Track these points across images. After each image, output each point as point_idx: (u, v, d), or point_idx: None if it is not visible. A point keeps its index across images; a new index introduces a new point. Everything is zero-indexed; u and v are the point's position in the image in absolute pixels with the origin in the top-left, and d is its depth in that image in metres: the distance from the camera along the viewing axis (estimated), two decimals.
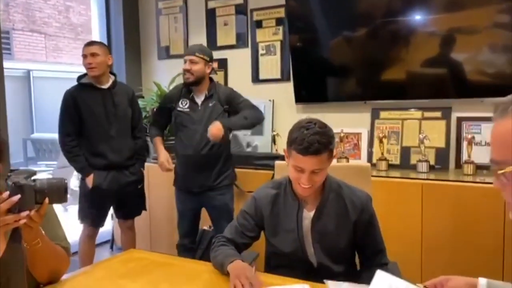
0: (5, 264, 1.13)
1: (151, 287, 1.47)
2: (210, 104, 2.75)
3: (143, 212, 3.14)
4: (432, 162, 2.95)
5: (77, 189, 3.04)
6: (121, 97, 2.90)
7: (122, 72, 4.05)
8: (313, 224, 1.60)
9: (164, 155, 2.85)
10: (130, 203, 3.01)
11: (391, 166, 3.04)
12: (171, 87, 3.65)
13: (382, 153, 3.05)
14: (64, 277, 1.47)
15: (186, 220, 2.87)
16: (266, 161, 3.13)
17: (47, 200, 1.19)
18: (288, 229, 1.62)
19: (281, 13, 3.56)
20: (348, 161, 3.08)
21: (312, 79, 3.42)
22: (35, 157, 8.03)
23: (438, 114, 3.06)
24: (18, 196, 1.13)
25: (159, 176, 3.52)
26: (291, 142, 1.50)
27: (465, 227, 2.53)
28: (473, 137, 2.80)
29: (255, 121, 2.77)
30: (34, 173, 1.21)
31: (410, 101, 3.14)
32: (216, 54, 2.93)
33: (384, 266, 1.61)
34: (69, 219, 4.01)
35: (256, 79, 3.73)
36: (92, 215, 2.89)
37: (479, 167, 2.77)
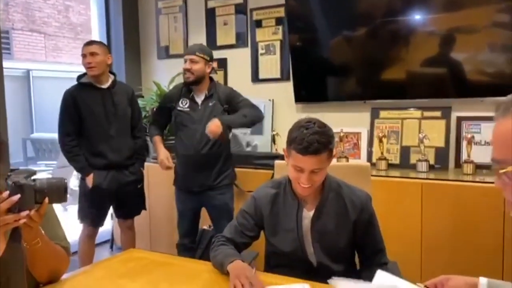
0: (5, 263, 1.13)
1: (151, 286, 1.47)
2: (210, 104, 2.75)
3: (143, 211, 3.14)
4: (431, 162, 2.95)
5: (77, 188, 3.04)
6: (120, 97, 2.89)
7: (121, 71, 4.05)
8: (312, 223, 1.60)
9: (164, 153, 2.84)
10: (130, 202, 3.01)
11: (390, 166, 3.05)
12: (170, 87, 3.65)
13: (382, 153, 3.05)
14: (63, 276, 1.47)
15: (186, 219, 2.87)
16: (266, 160, 3.13)
17: (47, 199, 1.19)
18: (287, 229, 1.62)
19: (281, 12, 3.56)
20: (347, 161, 3.08)
21: (312, 78, 3.42)
22: (35, 157, 8.03)
23: (437, 113, 3.06)
24: (18, 195, 1.13)
25: (158, 176, 3.52)
26: (290, 141, 1.50)
27: (464, 226, 2.53)
28: (473, 137, 2.80)
29: (254, 119, 2.76)
30: (34, 172, 1.21)
31: (409, 101, 3.14)
32: (216, 54, 2.93)
33: (384, 266, 1.62)
34: (68, 218, 4.01)
35: (255, 78, 3.73)
36: (91, 215, 2.89)
37: (479, 167, 2.77)
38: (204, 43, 3.59)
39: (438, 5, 2.96)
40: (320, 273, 1.57)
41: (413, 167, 2.95)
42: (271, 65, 3.66)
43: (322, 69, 3.39)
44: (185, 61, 2.73)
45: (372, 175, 2.17)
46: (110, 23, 4.18)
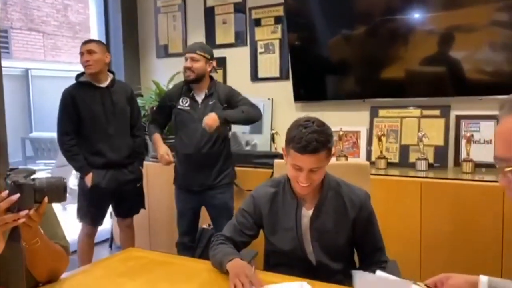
0: (4, 263, 1.13)
1: (150, 285, 1.47)
2: (210, 103, 2.75)
3: (142, 210, 3.14)
4: (431, 160, 2.95)
5: (76, 188, 3.03)
6: (119, 96, 2.89)
7: (120, 70, 4.04)
8: (311, 222, 1.60)
9: (164, 149, 2.81)
10: (129, 201, 3.01)
11: (390, 164, 3.05)
12: (169, 86, 3.65)
13: (381, 151, 3.05)
14: (63, 276, 1.47)
15: (186, 218, 2.87)
16: (265, 159, 3.13)
17: (46, 199, 1.18)
18: (287, 228, 1.62)
19: (280, 11, 3.55)
20: (347, 160, 3.08)
21: (311, 77, 3.42)
22: (34, 156, 8.02)
23: (437, 112, 3.06)
24: (17, 195, 1.13)
25: (158, 175, 3.53)
26: (289, 140, 1.50)
27: (464, 225, 2.53)
28: (472, 135, 2.80)
29: (251, 116, 2.75)
30: (33, 172, 1.21)
31: (409, 99, 3.14)
32: (215, 53, 2.92)
33: (384, 264, 1.62)
34: (68, 218, 4.01)
35: (255, 77, 3.73)
36: (91, 214, 2.89)
37: (478, 165, 2.78)
38: (203, 42, 3.58)
39: (437, 4, 2.96)
40: (320, 272, 1.57)
41: (412, 165, 2.95)
42: (270, 64, 3.65)
43: (321, 67, 3.39)
44: (186, 59, 2.73)
45: (372, 174, 2.17)
46: (109, 22, 4.18)
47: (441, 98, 3.03)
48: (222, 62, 3.80)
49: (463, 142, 2.85)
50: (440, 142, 3.01)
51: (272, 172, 2.19)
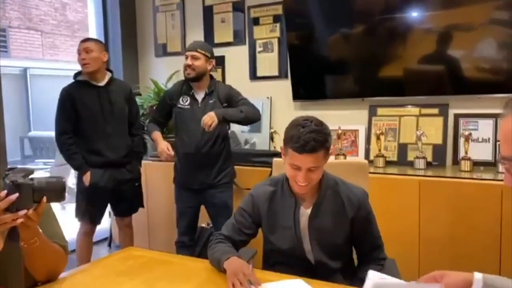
0: (3, 262, 1.13)
1: (149, 285, 1.47)
2: (210, 101, 2.75)
3: (141, 209, 3.14)
4: (429, 159, 2.96)
5: (75, 187, 3.03)
6: (117, 95, 2.89)
7: (119, 69, 4.04)
8: (310, 221, 1.60)
9: (164, 143, 2.79)
10: (128, 200, 3.01)
11: (388, 163, 3.05)
12: (168, 85, 3.65)
13: (380, 150, 3.05)
14: (62, 275, 1.47)
15: (186, 218, 2.87)
16: (264, 158, 3.13)
17: (45, 198, 1.18)
18: (285, 226, 1.62)
19: (278, 10, 3.55)
20: (345, 158, 3.08)
21: (310, 76, 3.42)
22: (33, 155, 8.00)
23: (435, 110, 3.07)
24: (16, 194, 1.13)
25: (157, 174, 3.53)
26: (287, 140, 1.50)
27: (462, 223, 2.54)
28: (470, 134, 2.80)
29: (249, 116, 2.73)
30: (32, 171, 1.21)
31: (407, 98, 3.15)
32: (214, 52, 2.92)
33: (382, 261, 1.62)
34: (66, 217, 4.01)
35: (253, 76, 3.73)
36: (89, 213, 2.89)
37: (476, 164, 2.78)
38: (203, 41, 3.58)
39: (435, 3, 2.96)
40: (318, 271, 1.57)
41: (411, 164, 2.95)
42: (269, 62, 3.65)
43: (320, 66, 3.39)
44: (186, 58, 2.73)
45: (370, 172, 2.17)
46: (107, 21, 4.17)
47: (440, 97, 3.04)
48: (220, 61, 3.80)
49: (462, 141, 2.86)
50: (439, 140, 3.01)
51: (271, 171, 2.19)
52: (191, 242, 2.92)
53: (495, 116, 2.86)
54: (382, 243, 1.68)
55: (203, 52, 2.73)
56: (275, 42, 3.61)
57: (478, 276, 1.11)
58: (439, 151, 3.00)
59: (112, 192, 2.89)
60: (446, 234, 2.58)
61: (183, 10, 4.04)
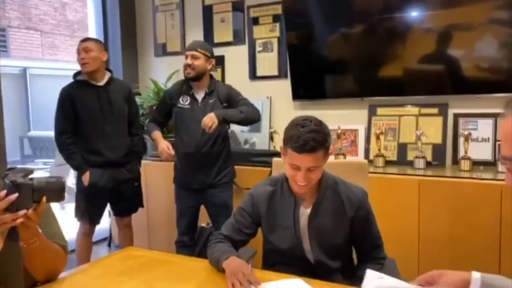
0: (2, 262, 1.13)
1: (149, 284, 1.47)
2: (210, 101, 2.75)
3: (141, 209, 3.14)
4: (429, 159, 2.96)
5: (74, 186, 3.03)
6: (117, 94, 2.88)
7: (118, 69, 4.04)
8: (309, 221, 1.60)
9: (164, 143, 2.79)
10: (127, 200, 3.01)
11: (388, 163, 3.05)
12: (168, 84, 3.65)
13: (379, 150, 3.06)
14: (61, 275, 1.47)
15: (186, 217, 2.87)
16: (264, 158, 3.13)
17: (44, 198, 1.18)
18: (285, 226, 1.62)
19: (278, 10, 3.55)
20: (345, 158, 3.08)
21: (310, 76, 3.42)
22: (32, 155, 8.00)
23: (435, 110, 3.07)
24: (16, 194, 1.13)
25: (157, 173, 3.53)
26: (287, 140, 1.50)
27: (461, 222, 2.54)
28: (470, 133, 2.81)
29: (250, 116, 2.74)
30: (31, 171, 1.21)
31: (407, 98, 3.15)
32: (213, 51, 2.92)
33: (381, 260, 1.63)
34: (66, 217, 4.01)
35: (253, 76, 3.73)
36: (88, 213, 2.89)
37: (476, 163, 2.79)
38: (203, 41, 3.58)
39: (435, 2, 2.96)
40: (318, 270, 1.57)
41: (411, 164, 2.95)
42: (268, 62, 3.65)
43: (320, 66, 3.39)
44: (186, 57, 2.73)
45: (370, 172, 2.17)
46: (107, 21, 4.17)
47: (439, 96, 3.04)
48: (220, 60, 3.80)
49: (461, 140, 2.86)
50: (438, 140, 3.01)
51: (271, 171, 2.19)
52: (191, 242, 2.92)
53: (494, 115, 2.86)
54: (382, 242, 1.68)
55: (203, 51, 2.73)
56: (275, 41, 3.61)
57: (476, 275, 1.10)
58: (438, 150, 3.00)
59: (112, 192, 2.89)
60: (446, 233, 2.58)
61: (183, 10, 4.04)
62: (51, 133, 2.86)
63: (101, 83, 2.84)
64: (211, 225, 3.00)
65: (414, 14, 3.01)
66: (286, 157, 1.53)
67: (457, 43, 2.90)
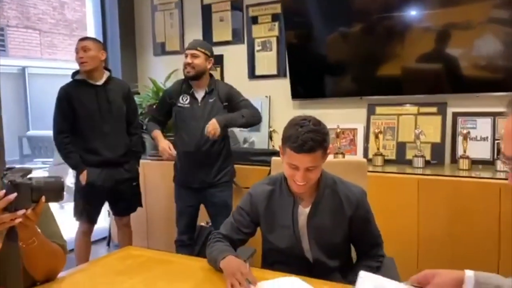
0: (1, 262, 1.13)
1: (148, 284, 1.47)
2: (210, 100, 2.75)
3: (140, 209, 3.13)
4: (427, 157, 2.96)
5: (73, 186, 3.03)
6: (115, 94, 2.88)
7: (117, 68, 4.04)
8: (308, 220, 1.60)
9: (165, 142, 2.79)
10: (126, 200, 3.01)
11: (387, 162, 3.06)
12: (166, 84, 3.65)
13: (378, 149, 3.06)
14: (60, 274, 1.47)
15: (185, 217, 2.87)
16: (263, 157, 3.14)
17: (43, 198, 1.18)
18: (283, 225, 1.62)
19: (277, 9, 3.55)
20: (344, 157, 3.08)
21: (309, 75, 3.42)
22: (31, 154, 8.00)
23: (433, 109, 3.07)
24: (14, 194, 1.12)
25: (156, 173, 3.53)
26: (285, 139, 1.50)
27: (460, 221, 2.54)
28: (469, 132, 2.81)
29: (251, 120, 2.76)
30: (30, 171, 1.21)
31: (405, 97, 3.15)
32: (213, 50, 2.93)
33: (380, 258, 1.63)
34: (65, 216, 4.00)
35: (252, 75, 3.73)
36: (87, 212, 2.89)
37: (475, 162, 2.79)
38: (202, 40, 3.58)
39: (433, 1, 2.96)
40: (317, 269, 1.58)
41: (409, 162, 2.96)
42: (267, 61, 3.65)
43: (319, 65, 3.39)
44: (186, 56, 2.73)
45: (369, 171, 2.17)
46: (105, 20, 4.17)
47: (438, 95, 3.04)
48: (219, 59, 3.80)
49: (460, 139, 2.86)
50: (437, 139, 3.02)
51: (270, 170, 2.19)
52: (190, 241, 2.92)
53: (493, 114, 2.87)
54: (381, 241, 1.68)
55: (203, 50, 2.73)
56: (274, 41, 3.61)
57: (469, 273, 1.09)
58: (437, 149, 3.00)
59: (110, 192, 2.89)
60: (445, 232, 2.58)
61: (182, 9, 4.04)
62: (50, 133, 2.86)
63: (100, 82, 2.84)
64: (210, 224, 3.00)
65: (413, 13, 3.01)
66: (284, 156, 1.53)
67: (456, 42, 2.90)
